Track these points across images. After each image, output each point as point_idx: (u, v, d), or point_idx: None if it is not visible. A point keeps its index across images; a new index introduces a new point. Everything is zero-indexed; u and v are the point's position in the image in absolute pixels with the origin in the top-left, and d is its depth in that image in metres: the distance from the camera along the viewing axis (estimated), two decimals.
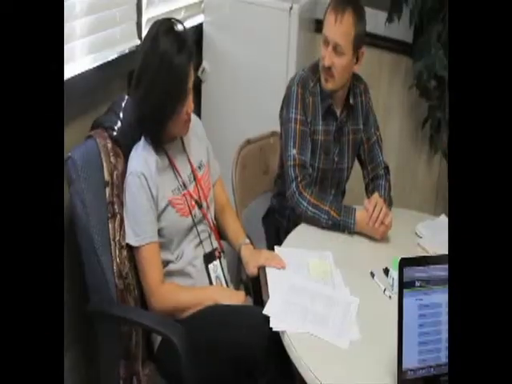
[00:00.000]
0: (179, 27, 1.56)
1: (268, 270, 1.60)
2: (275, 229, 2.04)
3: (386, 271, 1.61)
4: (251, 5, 2.63)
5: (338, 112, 2.00)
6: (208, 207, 1.74)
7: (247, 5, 2.63)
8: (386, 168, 2.05)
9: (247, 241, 1.77)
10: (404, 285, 1.27)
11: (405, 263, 1.28)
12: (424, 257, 1.32)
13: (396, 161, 2.75)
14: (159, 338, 1.58)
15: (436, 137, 2.56)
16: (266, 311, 1.43)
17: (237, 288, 1.81)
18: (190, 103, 1.59)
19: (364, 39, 1.92)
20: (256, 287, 1.65)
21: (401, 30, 2.71)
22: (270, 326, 1.39)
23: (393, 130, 2.77)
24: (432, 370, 1.28)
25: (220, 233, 1.81)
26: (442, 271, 1.30)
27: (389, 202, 1.95)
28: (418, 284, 1.29)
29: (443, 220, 1.90)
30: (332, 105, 1.97)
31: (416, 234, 1.85)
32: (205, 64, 2.74)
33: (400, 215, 1.92)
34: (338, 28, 1.85)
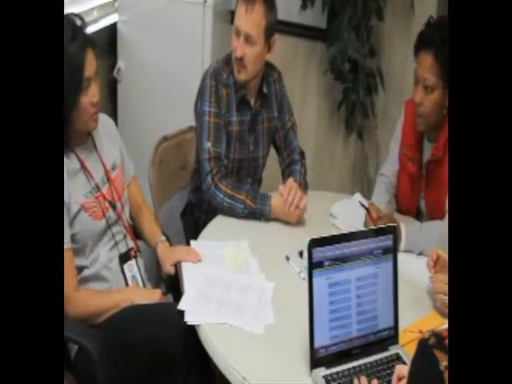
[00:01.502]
0: (77, 21, 1.52)
1: (183, 265, 1.59)
2: (194, 224, 2.04)
3: (301, 254, 1.63)
4: (165, 0, 2.60)
5: (252, 101, 2.01)
6: (123, 208, 1.71)
7: (161, 1, 2.61)
8: (302, 153, 2.08)
9: (163, 238, 1.75)
10: (313, 265, 1.29)
11: (314, 244, 1.29)
12: (332, 236, 1.33)
13: (314, 144, 2.81)
14: (76, 347, 1.55)
15: (351, 118, 2.62)
16: (180, 306, 1.42)
17: (157, 286, 1.80)
18: (92, 93, 1.54)
19: (275, 28, 1.94)
20: (175, 284, 1.64)
21: (314, 17, 2.75)
22: (185, 320, 1.39)
23: (310, 114, 2.82)
24: (344, 345, 1.30)
25: (136, 232, 1.79)
26: (350, 248, 1.33)
27: (304, 186, 1.98)
28: (327, 263, 1.31)
29: (357, 198, 1.94)
30: (246, 95, 1.98)
31: (331, 214, 1.88)
32: (120, 63, 2.70)
33: (317, 197, 1.95)
34: (249, 18, 1.85)
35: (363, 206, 1.79)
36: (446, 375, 0.87)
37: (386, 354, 1.32)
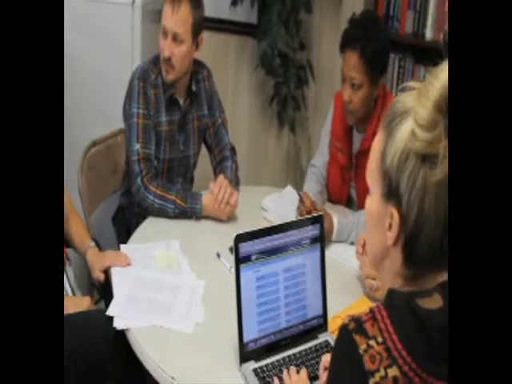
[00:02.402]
0: None
1: (113, 270, 1.56)
2: (126, 227, 2.01)
3: (232, 250, 1.62)
4: (93, 2, 2.55)
5: (181, 101, 1.99)
6: None
7: (88, 3, 2.56)
8: (233, 149, 2.08)
9: (92, 244, 1.72)
10: (240, 260, 1.29)
11: (240, 239, 1.29)
12: (259, 230, 1.33)
13: (247, 139, 2.83)
14: None
15: (283, 112, 2.64)
16: (109, 312, 1.40)
17: (90, 294, 1.76)
18: None
19: (203, 25, 1.93)
20: (108, 290, 1.61)
21: (245, 13, 2.76)
22: (114, 325, 1.36)
23: (242, 109, 2.83)
24: (272, 337, 1.31)
25: (65, 240, 1.75)
26: (277, 241, 1.33)
27: (236, 182, 1.98)
28: (254, 257, 1.31)
29: (288, 191, 1.95)
30: (174, 94, 1.96)
31: (263, 208, 1.89)
32: None
33: (249, 192, 1.96)
34: (176, 17, 1.84)
35: (298, 194, 1.81)
36: (365, 358, 0.88)
37: (315, 342, 1.34)
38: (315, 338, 1.35)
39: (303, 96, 2.66)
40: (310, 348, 1.32)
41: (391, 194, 0.90)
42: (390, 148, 0.90)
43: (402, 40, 2.56)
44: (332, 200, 2.00)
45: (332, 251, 1.69)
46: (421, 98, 0.86)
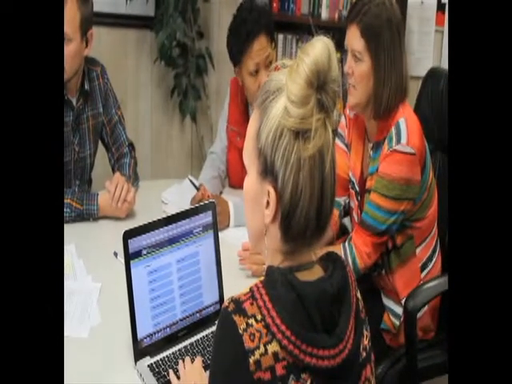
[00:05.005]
0: None
1: None
2: None
3: None
4: None
5: (74, 101, 1.93)
6: None
7: None
8: (131, 145, 2.05)
9: None
10: (131, 256, 1.26)
11: (129, 235, 1.27)
12: (148, 224, 1.30)
13: (150, 133, 2.80)
14: None
15: (184, 102, 2.62)
16: None
17: None
18: None
19: (91, 21, 1.87)
20: None
21: (142, 6, 2.71)
22: None
23: (144, 103, 2.80)
24: (168, 329, 1.30)
25: None
26: (168, 232, 1.31)
27: (134, 178, 1.95)
28: (145, 252, 1.29)
29: (187, 181, 1.93)
30: (66, 95, 1.90)
31: (162, 201, 1.87)
32: None
33: (150, 187, 1.94)
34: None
35: (192, 184, 1.81)
36: (244, 337, 0.89)
37: (212, 329, 1.33)
38: (213, 324, 1.34)
39: (204, 85, 2.65)
40: (206, 335, 1.31)
41: (267, 171, 0.91)
42: (264, 126, 0.90)
43: (298, 21, 2.59)
44: (234, 185, 2.00)
45: (231, 236, 1.69)
46: (292, 75, 0.87)
